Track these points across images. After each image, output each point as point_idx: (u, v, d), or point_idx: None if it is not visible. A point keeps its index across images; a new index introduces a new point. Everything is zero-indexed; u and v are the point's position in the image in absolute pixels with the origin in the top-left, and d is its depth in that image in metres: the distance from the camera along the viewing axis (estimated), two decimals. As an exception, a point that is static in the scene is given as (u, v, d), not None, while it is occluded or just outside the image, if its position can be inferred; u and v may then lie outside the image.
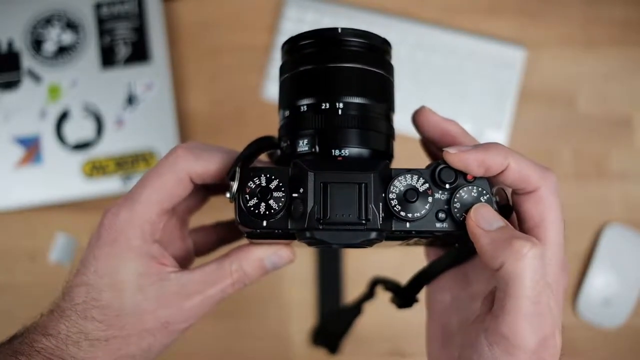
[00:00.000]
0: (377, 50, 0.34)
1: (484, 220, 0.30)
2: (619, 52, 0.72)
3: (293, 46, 0.34)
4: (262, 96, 0.72)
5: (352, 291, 0.68)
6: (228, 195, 0.31)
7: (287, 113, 0.34)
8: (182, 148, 0.34)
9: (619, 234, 0.68)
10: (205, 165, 0.34)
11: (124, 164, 0.69)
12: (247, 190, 0.30)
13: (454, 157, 0.31)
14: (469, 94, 0.71)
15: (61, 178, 0.69)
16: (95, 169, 0.69)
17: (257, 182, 0.30)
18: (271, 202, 0.30)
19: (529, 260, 0.28)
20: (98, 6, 0.72)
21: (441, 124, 0.35)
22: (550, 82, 0.72)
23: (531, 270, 0.28)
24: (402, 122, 0.70)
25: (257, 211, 0.30)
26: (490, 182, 0.32)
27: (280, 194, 0.30)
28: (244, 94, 0.72)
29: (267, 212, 0.30)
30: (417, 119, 0.36)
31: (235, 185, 0.30)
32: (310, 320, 0.68)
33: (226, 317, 0.67)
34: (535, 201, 0.31)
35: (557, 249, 0.31)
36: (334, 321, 0.60)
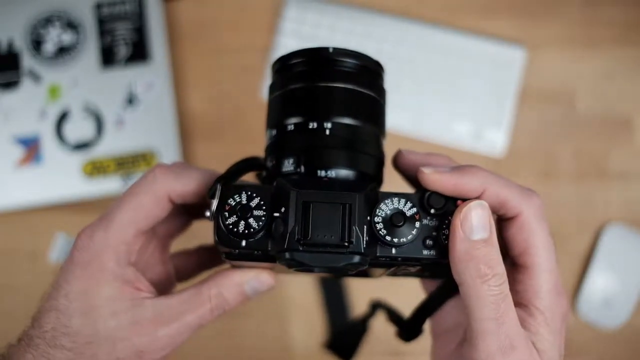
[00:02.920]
0: (369, 72, 0.33)
1: (468, 224, 0.28)
2: (619, 52, 0.72)
3: (283, 65, 0.33)
4: (262, 96, 0.72)
5: (353, 290, 0.68)
6: (208, 214, 0.30)
7: (274, 132, 0.33)
8: (161, 167, 0.33)
9: (619, 234, 0.68)
10: (185, 183, 0.33)
11: (124, 164, 0.69)
12: (227, 208, 0.29)
13: (428, 177, 0.30)
14: (469, 94, 0.71)
15: (61, 178, 0.69)
16: (96, 169, 0.69)
17: (238, 199, 0.29)
18: (251, 220, 0.29)
19: (490, 286, 0.28)
20: (98, 6, 0.72)
21: (422, 160, 0.33)
22: (550, 82, 0.72)
23: (491, 293, 0.28)
24: (402, 122, 0.70)
25: (236, 230, 0.29)
26: (500, 223, 0.31)
27: (260, 213, 0.29)
28: (244, 94, 0.72)
29: (247, 231, 0.29)
30: (397, 162, 0.34)
31: (215, 203, 0.29)
32: (311, 319, 0.68)
33: (226, 317, 0.67)
34: (519, 227, 0.30)
35: (549, 275, 0.30)
36: (347, 334, 0.60)
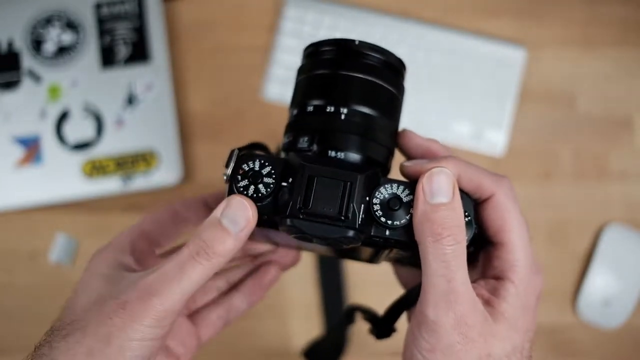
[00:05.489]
0: (391, 69, 0.35)
1: (429, 187, 0.30)
2: (619, 52, 0.72)
3: (314, 51, 0.36)
4: (262, 96, 0.72)
5: (353, 289, 0.68)
6: (225, 177, 0.32)
7: (295, 111, 0.35)
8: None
9: (619, 234, 0.68)
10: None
11: (124, 164, 0.69)
12: (240, 172, 0.32)
13: (408, 169, 0.33)
14: (469, 94, 0.71)
15: (61, 178, 0.69)
16: (95, 169, 0.69)
17: (251, 165, 0.32)
18: (260, 186, 0.31)
19: (444, 245, 0.29)
20: (98, 6, 0.72)
21: (423, 144, 0.36)
22: (550, 82, 0.72)
23: (443, 252, 0.29)
24: (402, 122, 0.70)
25: (245, 193, 0.31)
26: (476, 206, 0.33)
27: (270, 180, 0.31)
28: (244, 94, 0.72)
29: (255, 195, 0.31)
30: (400, 141, 0.37)
31: (230, 168, 0.32)
32: (311, 319, 0.68)
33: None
34: (493, 207, 0.32)
35: (523, 251, 0.32)
36: (325, 342, 0.60)
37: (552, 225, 0.69)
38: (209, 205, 0.40)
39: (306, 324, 0.67)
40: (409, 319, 0.38)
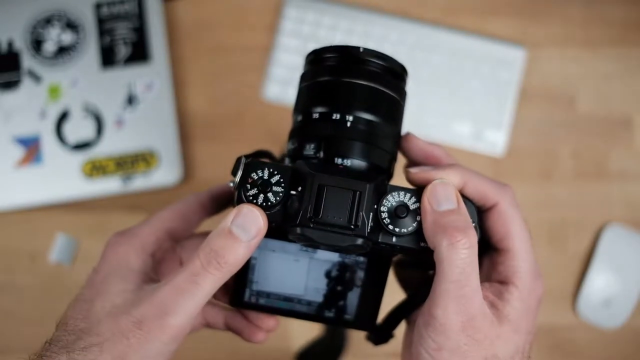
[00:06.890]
0: (394, 75, 0.36)
1: (435, 198, 0.31)
2: (619, 52, 0.72)
3: (316, 58, 0.36)
4: (262, 96, 0.72)
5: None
6: (231, 184, 0.32)
7: (300, 118, 0.35)
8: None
9: (619, 234, 0.68)
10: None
11: (124, 164, 0.69)
12: (249, 181, 0.32)
13: (414, 175, 0.33)
14: (469, 94, 0.71)
15: (61, 178, 0.69)
16: (95, 169, 0.69)
17: (260, 174, 0.32)
18: (270, 195, 0.31)
19: (459, 250, 0.30)
20: (98, 6, 0.72)
21: (425, 148, 0.36)
22: (550, 82, 0.72)
23: (458, 257, 0.30)
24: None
25: (255, 201, 0.31)
26: (479, 211, 0.34)
27: (279, 189, 0.31)
28: (244, 94, 0.72)
29: (265, 204, 0.31)
30: (403, 144, 0.37)
31: (238, 176, 0.32)
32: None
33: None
34: (497, 215, 0.33)
35: (526, 257, 0.33)
36: (322, 348, 0.60)
37: (552, 226, 0.69)
38: (212, 196, 0.40)
39: (305, 325, 0.67)
40: (408, 320, 0.38)
